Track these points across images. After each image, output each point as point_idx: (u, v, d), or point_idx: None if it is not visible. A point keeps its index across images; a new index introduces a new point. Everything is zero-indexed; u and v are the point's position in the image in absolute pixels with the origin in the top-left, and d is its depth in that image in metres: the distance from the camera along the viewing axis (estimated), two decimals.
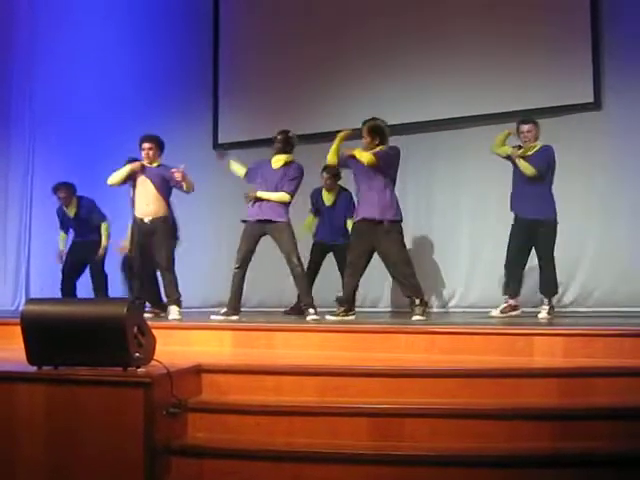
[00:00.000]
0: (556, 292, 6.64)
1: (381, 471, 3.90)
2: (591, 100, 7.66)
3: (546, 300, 6.52)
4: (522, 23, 7.90)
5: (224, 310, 6.80)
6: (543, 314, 6.43)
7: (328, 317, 6.56)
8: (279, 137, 7.02)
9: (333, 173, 7.67)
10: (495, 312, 6.64)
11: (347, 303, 6.66)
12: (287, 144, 7.01)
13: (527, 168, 6.47)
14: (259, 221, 6.81)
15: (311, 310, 6.63)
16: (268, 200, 6.82)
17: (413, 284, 6.51)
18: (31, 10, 10.45)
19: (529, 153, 6.57)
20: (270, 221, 6.78)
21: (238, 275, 6.84)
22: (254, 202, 6.86)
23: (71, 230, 8.55)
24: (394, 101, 8.29)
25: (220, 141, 9.36)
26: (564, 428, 4.07)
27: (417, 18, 8.45)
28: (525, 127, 6.62)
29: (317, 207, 7.95)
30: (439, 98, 8.19)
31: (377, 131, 6.66)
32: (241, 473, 4.02)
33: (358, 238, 6.63)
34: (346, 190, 7.73)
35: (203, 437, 4.24)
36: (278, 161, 6.96)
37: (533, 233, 6.50)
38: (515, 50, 7.92)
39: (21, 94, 10.46)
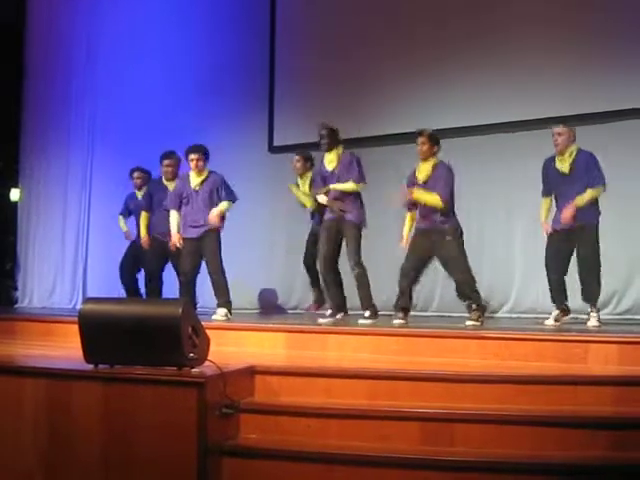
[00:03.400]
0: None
1: (431, 476, 3.88)
2: None
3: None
4: (572, 25, 7.80)
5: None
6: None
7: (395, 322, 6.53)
8: (323, 132, 6.96)
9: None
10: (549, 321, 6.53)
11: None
12: (333, 138, 6.97)
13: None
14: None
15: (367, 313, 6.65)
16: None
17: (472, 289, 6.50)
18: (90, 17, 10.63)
19: (566, 163, 6.40)
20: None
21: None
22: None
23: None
24: (444, 106, 8.26)
25: (275, 144, 9.38)
26: (619, 437, 4.01)
27: (466, 21, 8.37)
28: (555, 129, 6.46)
29: None
30: (488, 103, 8.11)
31: (436, 140, 6.62)
32: (291, 475, 4.03)
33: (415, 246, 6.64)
34: None
35: (255, 438, 4.27)
36: (331, 162, 6.97)
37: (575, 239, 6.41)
38: (561, 53, 7.81)
39: (80, 100, 10.62)
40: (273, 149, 9.37)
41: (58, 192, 10.71)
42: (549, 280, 6.51)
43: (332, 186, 6.86)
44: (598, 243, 6.31)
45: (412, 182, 6.64)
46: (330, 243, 6.95)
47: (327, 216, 7.01)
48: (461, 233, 6.53)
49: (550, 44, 7.84)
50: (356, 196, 6.93)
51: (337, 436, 4.18)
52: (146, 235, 8.02)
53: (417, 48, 8.59)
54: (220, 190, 7.21)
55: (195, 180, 7.25)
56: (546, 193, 6.63)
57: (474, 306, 6.41)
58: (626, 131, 7.46)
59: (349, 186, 6.84)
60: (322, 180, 7.01)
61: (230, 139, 9.21)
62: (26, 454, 4.30)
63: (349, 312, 7.13)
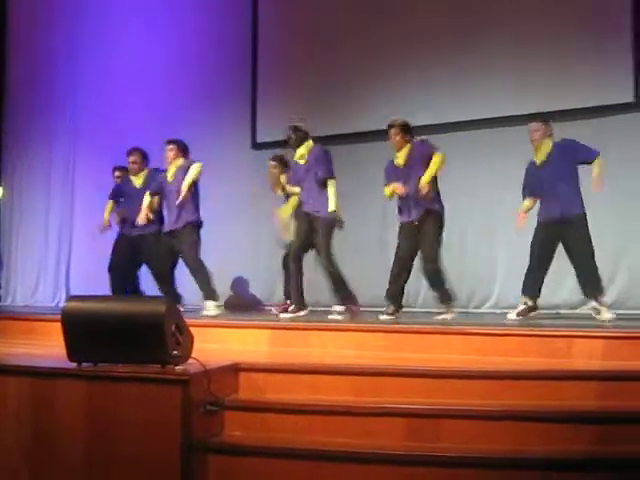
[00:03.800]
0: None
1: (417, 472, 3.89)
2: (631, 100, 7.55)
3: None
4: (559, 22, 7.82)
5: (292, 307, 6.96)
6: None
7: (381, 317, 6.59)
8: (289, 132, 7.09)
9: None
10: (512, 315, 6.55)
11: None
12: (299, 134, 7.05)
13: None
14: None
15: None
16: None
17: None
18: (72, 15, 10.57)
19: (542, 158, 6.47)
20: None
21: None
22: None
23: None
24: (427, 102, 8.30)
25: (259, 140, 9.37)
26: (602, 431, 4.03)
27: (456, 19, 8.37)
28: (532, 125, 6.53)
29: None
30: (477, 99, 8.12)
31: (408, 129, 6.74)
32: (277, 472, 4.03)
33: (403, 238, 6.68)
34: None
35: (240, 435, 4.27)
36: (302, 156, 7.01)
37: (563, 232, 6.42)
38: (551, 49, 7.83)
39: (62, 97, 10.56)
40: (256, 146, 9.35)
41: (41, 190, 10.67)
42: (529, 270, 6.53)
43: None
44: (589, 233, 6.32)
45: (395, 174, 6.68)
46: (301, 237, 6.98)
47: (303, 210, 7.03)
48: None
49: (532, 41, 7.88)
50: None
51: (322, 433, 4.18)
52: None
53: (401, 45, 8.60)
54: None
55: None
56: (525, 193, 6.68)
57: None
58: (610, 126, 7.49)
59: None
60: (296, 175, 7.05)
61: (213, 136, 9.20)
62: (10, 452, 4.28)
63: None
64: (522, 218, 6.63)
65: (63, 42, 10.56)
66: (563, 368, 4.60)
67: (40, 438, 4.23)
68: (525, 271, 6.59)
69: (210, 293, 7.20)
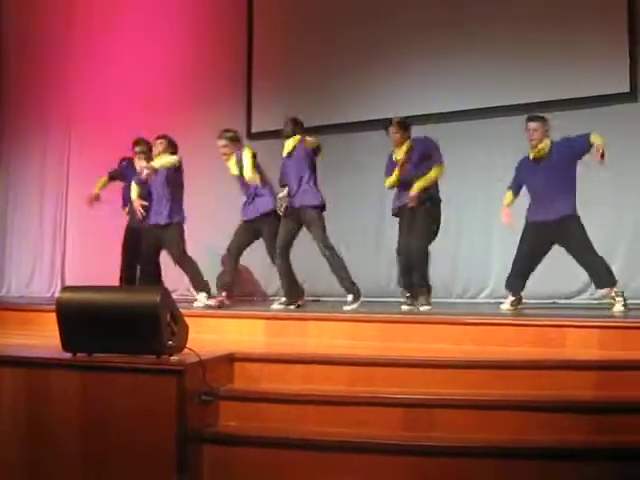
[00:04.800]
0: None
1: (411, 461, 3.90)
2: (627, 90, 7.55)
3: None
4: (555, 11, 7.81)
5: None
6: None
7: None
8: (287, 122, 7.07)
9: None
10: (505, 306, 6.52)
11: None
12: (295, 128, 7.02)
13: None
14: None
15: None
16: None
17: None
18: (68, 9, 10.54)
19: (539, 157, 6.41)
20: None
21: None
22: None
23: None
24: (424, 91, 8.28)
25: (253, 130, 9.35)
26: (599, 421, 4.04)
27: (453, 9, 8.34)
28: (531, 125, 6.43)
29: None
30: (472, 89, 8.10)
31: (407, 126, 6.76)
32: (272, 461, 4.04)
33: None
34: None
35: (235, 425, 4.27)
36: (287, 147, 6.99)
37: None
38: (547, 38, 7.82)
39: (57, 87, 10.48)
40: (251, 135, 9.32)
41: (35, 179, 10.63)
42: (514, 268, 6.51)
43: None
44: (584, 230, 6.27)
45: (393, 168, 6.69)
46: (289, 234, 6.97)
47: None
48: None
49: (528, 32, 7.86)
50: (314, 181, 6.93)
51: (316, 422, 4.19)
52: None
53: (398, 34, 8.55)
54: None
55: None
56: (512, 187, 6.65)
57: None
58: (605, 116, 7.48)
59: None
60: (284, 168, 7.04)
61: (208, 125, 9.16)
62: (5, 443, 4.28)
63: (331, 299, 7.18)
64: (508, 213, 6.62)
65: (59, 35, 10.51)
66: (559, 358, 4.60)
67: (35, 428, 4.24)
68: (511, 266, 6.56)
69: (202, 285, 7.23)
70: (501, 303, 6.66)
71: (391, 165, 6.77)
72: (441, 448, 3.92)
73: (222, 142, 7.26)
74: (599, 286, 6.34)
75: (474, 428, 4.02)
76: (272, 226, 7.02)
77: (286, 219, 6.88)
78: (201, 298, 7.07)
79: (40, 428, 4.23)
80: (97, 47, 10.21)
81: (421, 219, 6.56)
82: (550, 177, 6.33)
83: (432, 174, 6.57)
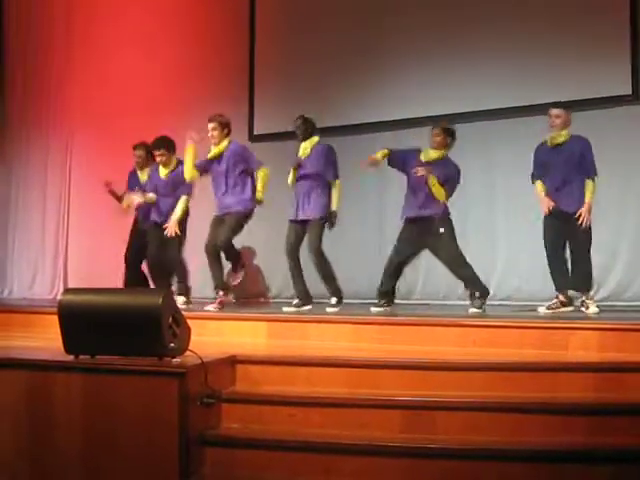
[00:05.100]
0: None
1: (413, 464, 3.90)
2: (629, 92, 7.55)
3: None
4: (557, 12, 7.81)
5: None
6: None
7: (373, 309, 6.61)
8: (297, 122, 6.98)
9: None
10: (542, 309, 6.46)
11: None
12: (307, 127, 6.97)
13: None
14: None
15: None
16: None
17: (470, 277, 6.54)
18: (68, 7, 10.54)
19: (558, 141, 6.39)
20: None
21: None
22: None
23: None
24: (427, 93, 8.26)
25: (256, 132, 9.35)
26: (599, 423, 4.04)
27: (450, 9, 8.36)
28: (554, 111, 6.42)
29: None
30: (474, 91, 8.10)
31: (451, 134, 6.67)
32: (274, 464, 4.05)
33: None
34: None
35: (237, 428, 4.28)
36: (305, 149, 6.95)
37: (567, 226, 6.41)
38: (549, 40, 7.81)
39: (59, 85, 10.52)
40: (254, 138, 9.32)
41: (38, 182, 10.63)
42: (551, 266, 6.45)
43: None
44: (591, 230, 6.30)
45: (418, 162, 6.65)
46: (299, 237, 6.96)
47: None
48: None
49: (530, 33, 7.85)
50: (323, 189, 6.90)
51: (319, 425, 4.19)
52: None
53: (401, 36, 8.54)
54: None
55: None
56: (537, 175, 6.57)
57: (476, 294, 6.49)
58: (606, 119, 7.48)
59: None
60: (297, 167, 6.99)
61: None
62: (7, 445, 4.28)
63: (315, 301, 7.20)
64: (549, 200, 6.45)
65: (60, 22, 10.53)
66: (560, 360, 4.61)
67: (37, 431, 4.24)
68: (549, 270, 6.50)
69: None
70: (503, 305, 6.65)
71: (412, 159, 6.70)
72: (442, 450, 3.92)
73: (211, 124, 7.11)
74: (578, 289, 6.39)
75: (475, 430, 4.02)
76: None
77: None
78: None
79: (42, 430, 4.23)
80: (97, 49, 10.21)
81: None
82: (565, 166, 6.36)
83: (441, 197, 6.55)
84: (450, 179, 6.57)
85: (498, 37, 8.08)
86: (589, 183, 6.32)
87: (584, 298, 6.32)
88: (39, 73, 10.61)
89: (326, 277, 6.79)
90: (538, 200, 6.56)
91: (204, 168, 7.09)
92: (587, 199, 6.28)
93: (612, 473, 3.80)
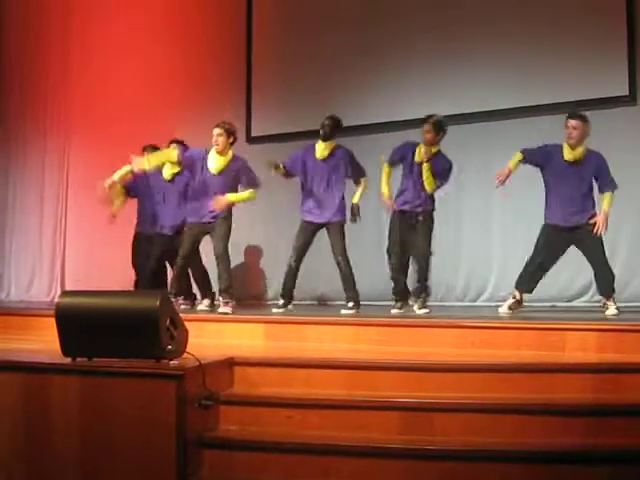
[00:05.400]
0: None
1: (411, 465, 3.90)
2: (626, 93, 7.55)
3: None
4: (555, 14, 7.81)
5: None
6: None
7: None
8: (327, 122, 6.95)
9: None
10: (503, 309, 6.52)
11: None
12: (335, 130, 6.98)
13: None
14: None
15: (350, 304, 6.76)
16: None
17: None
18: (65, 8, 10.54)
19: (571, 159, 6.32)
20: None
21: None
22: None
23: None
24: (426, 93, 8.27)
25: (253, 134, 9.35)
26: (597, 424, 4.04)
27: (449, 10, 8.36)
28: (571, 122, 6.29)
29: None
30: (472, 92, 8.10)
31: (442, 127, 6.71)
32: (272, 466, 4.04)
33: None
34: None
35: (235, 430, 4.27)
36: (322, 154, 6.96)
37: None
38: (548, 42, 7.82)
39: (56, 87, 10.52)
40: (251, 140, 9.32)
41: (35, 184, 10.63)
42: (529, 267, 6.45)
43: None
44: (602, 236, 6.28)
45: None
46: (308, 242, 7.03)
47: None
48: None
49: (528, 34, 7.87)
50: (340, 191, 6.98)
51: (317, 427, 4.18)
52: None
53: (400, 38, 8.55)
54: None
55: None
56: (528, 154, 6.47)
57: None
58: (604, 119, 7.46)
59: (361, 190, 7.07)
60: (313, 170, 7.00)
61: (207, 129, 9.15)
62: (4, 448, 4.27)
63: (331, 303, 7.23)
64: (506, 175, 6.41)
65: (57, 27, 10.52)
66: (557, 361, 4.61)
67: (35, 433, 4.23)
68: (525, 265, 6.51)
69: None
70: (500, 306, 6.65)
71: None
72: (441, 452, 3.92)
73: (217, 131, 7.00)
74: (603, 294, 6.36)
75: (474, 432, 4.02)
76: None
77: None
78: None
79: (40, 433, 4.22)
80: (95, 52, 10.21)
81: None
82: (578, 182, 6.32)
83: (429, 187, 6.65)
84: (443, 172, 6.67)
85: (497, 39, 8.10)
86: (608, 195, 6.29)
87: (608, 302, 6.27)
88: (36, 76, 10.61)
89: (347, 281, 6.85)
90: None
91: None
92: (605, 207, 6.24)
93: (610, 474, 3.80)
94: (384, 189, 6.81)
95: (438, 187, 6.68)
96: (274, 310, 6.85)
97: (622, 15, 7.57)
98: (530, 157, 6.49)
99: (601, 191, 6.35)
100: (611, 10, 7.62)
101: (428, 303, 6.71)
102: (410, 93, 8.38)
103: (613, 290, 6.30)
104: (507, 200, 7.74)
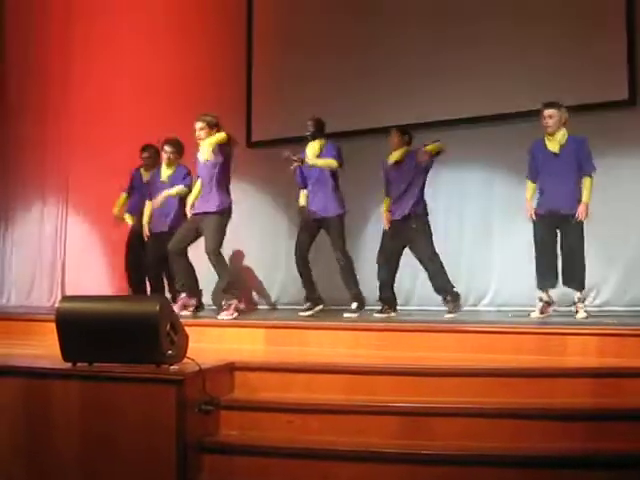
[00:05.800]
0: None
1: (410, 470, 3.90)
2: (626, 97, 7.56)
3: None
4: (554, 18, 7.82)
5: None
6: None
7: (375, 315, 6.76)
8: (310, 123, 7.15)
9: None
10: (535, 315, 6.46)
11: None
12: (319, 128, 7.16)
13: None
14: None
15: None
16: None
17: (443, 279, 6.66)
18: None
19: (555, 148, 6.34)
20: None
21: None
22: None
23: None
24: (426, 98, 8.28)
25: (254, 139, 9.35)
26: (597, 429, 4.04)
27: (447, 19, 8.37)
28: (546, 112, 6.36)
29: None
30: (471, 97, 8.10)
31: (404, 131, 6.99)
32: (272, 471, 4.04)
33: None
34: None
35: (235, 435, 4.27)
36: (314, 154, 7.06)
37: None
38: (545, 46, 7.83)
39: (57, 91, 10.52)
40: (251, 144, 9.33)
41: (35, 188, 10.62)
42: (537, 262, 6.43)
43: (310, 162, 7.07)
44: (583, 232, 6.28)
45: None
46: (308, 239, 7.09)
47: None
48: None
49: (528, 37, 7.88)
50: (334, 186, 7.06)
51: (317, 431, 4.19)
52: None
53: (400, 42, 8.56)
54: None
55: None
56: (533, 177, 6.56)
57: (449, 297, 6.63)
58: (604, 124, 7.48)
59: (330, 161, 7.04)
60: (306, 172, 7.16)
61: None
62: (5, 452, 4.28)
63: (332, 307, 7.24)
64: (532, 206, 6.51)
65: (58, 40, 10.54)
66: (558, 366, 4.61)
67: (36, 438, 4.24)
68: (535, 265, 6.48)
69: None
70: (501, 310, 6.66)
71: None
72: (440, 456, 3.92)
73: (199, 125, 7.02)
74: (572, 287, 6.35)
75: (473, 436, 4.02)
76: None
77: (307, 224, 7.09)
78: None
79: (41, 438, 4.23)
80: (97, 52, 10.22)
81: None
82: (564, 169, 6.33)
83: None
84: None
85: (494, 44, 8.09)
86: (587, 180, 6.29)
87: (576, 300, 6.30)
88: (37, 86, 10.59)
89: (348, 280, 6.94)
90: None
91: None
92: (585, 198, 6.25)
93: (610, 479, 3.80)
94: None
95: None
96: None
97: (621, 18, 7.57)
98: (534, 174, 6.57)
99: (580, 176, 6.33)
100: (610, 13, 7.63)
101: (428, 308, 6.74)
102: (411, 98, 8.37)
103: (583, 285, 6.32)
104: (508, 203, 7.74)
